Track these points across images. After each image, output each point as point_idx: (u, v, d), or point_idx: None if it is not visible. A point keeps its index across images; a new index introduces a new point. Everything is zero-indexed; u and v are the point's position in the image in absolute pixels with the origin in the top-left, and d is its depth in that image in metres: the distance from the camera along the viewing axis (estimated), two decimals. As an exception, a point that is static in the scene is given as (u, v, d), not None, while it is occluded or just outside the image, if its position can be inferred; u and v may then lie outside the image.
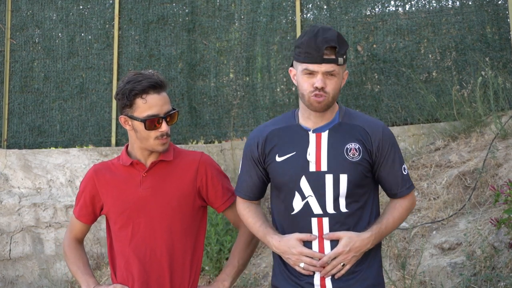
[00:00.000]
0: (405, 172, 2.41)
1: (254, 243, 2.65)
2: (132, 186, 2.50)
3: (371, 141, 2.35)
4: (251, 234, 2.61)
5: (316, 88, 2.28)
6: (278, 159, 2.38)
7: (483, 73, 5.71)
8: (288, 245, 2.30)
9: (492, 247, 4.04)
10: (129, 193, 2.50)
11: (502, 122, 5.19)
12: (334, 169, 2.31)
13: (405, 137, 6.00)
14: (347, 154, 2.33)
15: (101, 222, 6.17)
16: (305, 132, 2.38)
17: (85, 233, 2.70)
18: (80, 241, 2.69)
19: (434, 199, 4.84)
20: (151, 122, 2.40)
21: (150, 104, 2.40)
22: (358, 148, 2.34)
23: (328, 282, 2.29)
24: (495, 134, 5.11)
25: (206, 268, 5.19)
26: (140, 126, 2.42)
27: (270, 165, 2.41)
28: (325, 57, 2.26)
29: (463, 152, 5.23)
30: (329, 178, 2.31)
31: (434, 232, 4.54)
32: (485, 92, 5.55)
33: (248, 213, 2.49)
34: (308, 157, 2.33)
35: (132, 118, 2.43)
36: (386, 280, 4.24)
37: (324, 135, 2.36)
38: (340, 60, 2.29)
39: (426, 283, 4.13)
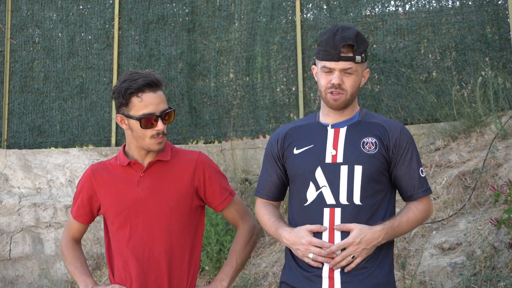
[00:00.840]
0: (422, 174, 2.40)
1: (252, 242, 2.64)
2: (129, 186, 2.50)
3: (388, 137, 2.37)
4: (250, 233, 2.62)
5: (333, 85, 2.32)
6: (295, 151, 2.41)
7: (483, 73, 5.71)
8: (298, 235, 2.29)
9: (492, 247, 4.04)
10: (127, 193, 2.50)
11: (502, 122, 5.19)
12: (349, 160, 2.32)
13: (405, 137, 5.99)
14: (363, 147, 2.35)
15: (101, 222, 6.17)
16: (324, 127, 2.42)
17: (83, 233, 2.69)
18: (77, 241, 2.69)
19: (434, 199, 4.84)
20: (146, 121, 2.40)
21: (146, 102, 2.40)
22: (375, 142, 2.36)
23: (337, 275, 2.27)
24: (495, 134, 5.11)
25: (206, 268, 5.18)
26: (136, 124, 2.42)
27: (288, 159, 2.43)
28: (342, 55, 2.30)
29: (463, 152, 5.23)
30: (344, 169, 2.32)
31: (434, 232, 4.54)
32: (485, 92, 5.55)
33: (264, 211, 2.50)
34: (327, 148, 2.35)
35: (128, 116, 2.44)
36: (386, 280, 4.24)
37: (343, 131, 2.39)
38: (358, 58, 2.32)
39: (426, 283, 4.13)
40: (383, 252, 2.34)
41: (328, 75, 2.34)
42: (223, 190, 2.59)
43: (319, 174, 2.34)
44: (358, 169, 2.31)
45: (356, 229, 2.25)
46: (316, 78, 2.44)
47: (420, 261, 4.21)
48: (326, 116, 2.43)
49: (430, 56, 6.44)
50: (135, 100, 2.41)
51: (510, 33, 6.07)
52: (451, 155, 5.25)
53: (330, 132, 2.39)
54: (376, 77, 6.54)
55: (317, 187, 2.34)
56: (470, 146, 5.29)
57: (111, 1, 7.48)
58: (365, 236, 2.25)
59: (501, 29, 6.15)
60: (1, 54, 7.75)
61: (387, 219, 2.34)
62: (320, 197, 2.33)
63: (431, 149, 5.61)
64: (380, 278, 2.31)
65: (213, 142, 6.94)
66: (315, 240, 2.27)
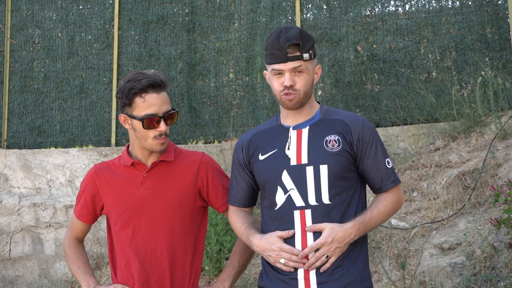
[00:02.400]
0: (389, 165, 2.39)
1: (254, 243, 2.65)
2: (133, 186, 2.50)
3: (351, 132, 2.36)
4: (252, 234, 2.62)
5: (285, 87, 2.32)
6: (261, 157, 2.41)
7: (482, 73, 5.71)
8: (268, 242, 2.29)
9: (492, 247, 4.04)
10: (130, 193, 2.50)
11: (502, 122, 5.19)
12: (314, 160, 2.32)
13: (405, 137, 6.00)
14: (327, 146, 2.34)
15: (101, 222, 6.17)
16: (286, 130, 2.42)
17: (86, 233, 2.70)
18: (80, 240, 2.69)
19: (434, 199, 4.84)
20: (149, 121, 2.41)
21: (149, 103, 2.40)
22: (338, 139, 2.35)
23: (313, 276, 2.26)
24: (495, 134, 5.11)
25: (206, 268, 5.19)
26: (138, 125, 2.43)
27: (254, 165, 2.43)
28: (289, 55, 2.30)
29: (463, 152, 5.23)
30: (309, 170, 2.32)
31: (434, 232, 4.54)
32: (485, 92, 5.56)
33: (236, 219, 2.49)
34: (287, 152, 2.35)
35: (131, 117, 2.44)
36: (386, 280, 4.24)
37: (305, 131, 2.39)
38: (306, 55, 2.32)
39: (426, 283, 4.13)
40: (356, 248, 2.34)
41: (279, 77, 2.34)
42: (226, 191, 2.59)
43: (285, 177, 2.34)
44: (323, 169, 2.31)
45: (327, 228, 2.25)
46: (269, 83, 2.44)
47: (420, 261, 4.21)
48: (286, 118, 2.43)
49: (430, 56, 6.44)
50: (138, 100, 2.41)
51: (510, 33, 6.08)
52: (451, 155, 5.25)
53: (293, 134, 2.39)
54: (376, 77, 6.54)
55: (285, 190, 2.34)
56: (470, 146, 5.30)
57: (111, 1, 7.48)
58: (336, 234, 2.24)
59: (501, 29, 6.15)
60: (1, 54, 7.74)
61: (358, 215, 2.33)
62: (289, 200, 2.33)
63: (431, 149, 5.61)
64: (355, 275, 2.30)
65: (213, 142, 6.94)
66: (285, 246, 2.27)
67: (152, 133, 2.43)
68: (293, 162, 2.34)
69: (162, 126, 2.42)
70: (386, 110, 6.37)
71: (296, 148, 2.36)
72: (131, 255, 2.49)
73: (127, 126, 2.49)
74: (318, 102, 2.49)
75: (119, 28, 7.38)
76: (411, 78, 6.24)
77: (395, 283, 4.13)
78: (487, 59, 5.95)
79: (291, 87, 2.32)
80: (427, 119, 6.06)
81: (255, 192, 2.52)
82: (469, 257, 4.02)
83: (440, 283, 4.02)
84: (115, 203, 2.52)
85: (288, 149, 2.36)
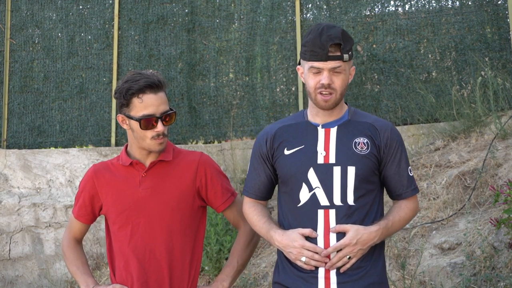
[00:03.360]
0: (410, 173, 2.42)
1: (253, 243, 2.64)
2: (131, 186, 2.50)
3: (380, 137, 2.37)
4: (251, 234, 2.61)
5: (323, 85, 2.31)
6: (286, 152, 2.40)
7: (482, 73, 5.71)
8: (290, 238, 2.28)
9: (492, 247, 4.04)
10: (129, 193, 2.50)
11: (502, 122, 5.19)
12: (342, 161, 2.32)
13: (405, 137, 6.00)
14: (356, 148, 2.34)
15: (101, 222, 6.17)
16: (314, 127, 2.41)
17: (84, 233, 2.69)
18: (79, 241, 2.69)
19: (434, 199, 4.84)
20: (146, 122, 2.41)
21: (146, 104, 2.40)
22: (367, 142, 2.36)
23: (333, 276, 2.27)
24: (494, 134, 5.11)
25: (206, 268, 5.19)
26: (136, 125, 2.43)
27: (278, 159, 2.41)
28: (330, 54, 2.29)
29: (463, 152, 5.23)
30: (337, 170, 2.32)
31: (434, 232, 4.54)
32: (485, 92, 5.55)
33: (253, 212, 2.48)
34: (318, 149, 2.35)
35: (129, 117, 2.44)
36: (386, 280, 4.24)
37: (333, 131, 2.38)
38: (346, 56, 2.31)
39: (426, 283, 4.13)
40: (376, 251, 2.36)
41: (317, 75, 2.33)
42: (225, 190, 2.59)
43: (311, 175, 2.33)
44: (351, 170, 2.31)
45: (352, 230, 2.25)
46: (302, 79, 2.42)
47: (420, 261, 4.21)
48: (315, 116, 2.42)
49: (429, 56, 6.44)
50: (135, 101, 2.41)
51: (510, 33, 6.08)
52: (451, 155, 5.25)
53: (321, 132, 2.38)
54: (376, 77, 6.54)
55: (310, 188, 2.33)
56: (469, 146, 5.30)
57: (110, 1, 7.48)
58: (361, 237, 2.25)
59: (501, 29, 6.15)
60: (1, 54, 7.74)
61: (379, 218, 2.35)
62: (314, 198, 2.32)
63: (430, 149, 5.61)
64: (374, 278, 2.31)
65: (213, 142, 6.94)
66: (308, 244, 2.26)
67: (149, 133, 2.43)
68: (321, 160, 2.34)
69: (160, 127, 2.42)
70: (386, 110, 6.37)
71: (324, 146, 2.36)
72: (129, 255, 2.49)
73: (125, 127, 2.50)
74: (346, 103, 2.48)
75: (119, 28, 7.38)
76: (411, 78, 6.24)
77: (395, 283, 4.13)
78: (487, 59, 5.95)
79: (328, 86, 2.31)
80: (427, 119, 6.06)
81: (273, 185, 2.51)
82: (469, 257, 4.02)
83: (440, 283, 4.02)
84: (113, 203, 2.52)
85: (316, 147, 2.35)
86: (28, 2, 7.74)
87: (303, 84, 6.69)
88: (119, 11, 7.40)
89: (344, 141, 2.36)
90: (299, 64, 2.44)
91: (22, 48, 7.70)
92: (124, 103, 2.44)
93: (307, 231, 2.28)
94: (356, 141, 2.36)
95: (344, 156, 2.33)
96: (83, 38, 7.55)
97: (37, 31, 7.71)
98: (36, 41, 7.68)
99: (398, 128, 6.10)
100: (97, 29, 7.48)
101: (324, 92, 2.32)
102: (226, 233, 5.24)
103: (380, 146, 2.36)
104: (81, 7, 7.59)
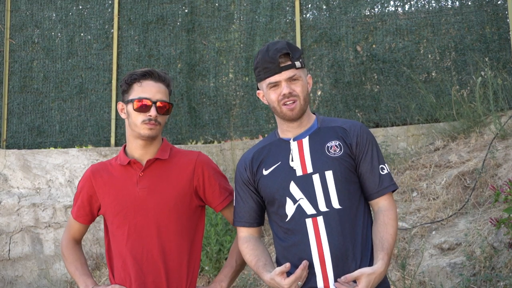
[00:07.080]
0: (383, 171, 2.39)
1: (252, 243, 2.64)
2: (129, 186, 2.51)
3: (350, 136, 2.39)
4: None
5: (284, 95, 2.34)
6: (265, 172, 2.42)
7: (482, 73, 5.71)
8: (276, 282, 2.27)
9: (491, 247, 4.04)
10: (126, 193, 2.50)
11: (502, 122, 5.19)
12: (319, 168, 2.34)
13: (405, 137, 6.00)
14: (329, 152, 2.36)
15: (100, 222, 6.17)
16: (286, 142, 2.43)
17: (83, 234, 2.70)
18: (78, 241, 2.69)
19: (434, 199, 4.84)
20: (140, 102, 2.45)
21: (144, 88, 2.48)
22: (339, 144, 2.38)
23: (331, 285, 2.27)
24: (494, 134, 5.11)
25: (206, 268, 5.18)
26: (131, 108, 2.48)
27: (259, 181, 2.43)
28: (282, 65, 2.34)
29: (463, 152, 5.23)
30: (316, 178, 2.34)
31: (433, 232, 4.54)
32: (485, 92, 5.55)
33: (246, 249, 2.47)
34: (291, 163, 2.37)
35: (127, 102, 2.50)
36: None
37: (305, 141, 2.40)
38: (297, 63, 2.36)
39: (426, 283, 4.13)
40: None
41: (276, 89, 2.36)
42: (223, 190, 2.60)
43: (293, 188, 2.35)
44: (329, 174, 2.33)
45: (364, 280, 2.21)
46: (265, 101, 2.45)
47: (420, 261, 4.21)
48: (286, 132, 2.44)
49: (429, 56, 6.44)
50: (136, 85, 2.50)
51: (510, 33, 6.08)
52: (451, 155, 5.25)
53: (294, 145, 2.40)
54: (376, 77, 6.54)
55: (294, 200, 2.34)
56: (469, 146, 5.30)
57: (110, 1, 7.48)
58: (373, 280, 2.22)
59: (501, 29, 6.15)
60: (1, 54, 7.74)
61: (378, 249, 2.30)
62: (299, 209, 2.33)
63: (430, 149, 5.61)
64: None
65: (213, 142, 6.93)
66: (292, 278, 2.24)
67: (141, 117, 2.46)
68: (299, 172, 2.36)
69: (153, 111, 2.46)
70: (386, 110, 6.37)
71: (299, 158, 2.37)
72: (127, 255, 2.49)
73: (123, 116, 2.55)
74: (314, 113, 2.51)
75: (118, 28, 7.38)
76: (411, 78, 6.24)
77: (395, 283, 4.13)
78: (486, 59, 5.95)
79: (290, 94, 2.33)
80: (426, 119, 6.06)
81: (262, 210, 2.52)
82: (469, 257, 4.02)
83: (440, 283, 4.02)
84: (111, 203, 2.52)
85: (292, 160, 2.38)
86: (27, 2, 7.74)
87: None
88: (118, 11, 7.40)
89: (317, 148, 2.37)
90: (258, 89, 2.47)
91: (21, 48, 7.70)
92: (126, 89, 2.52)
93: (282, 268, 2.26)
94: (328, 145, 2.38)
95: (319, 163, 2.34)
96: (83, 38, 7.55)
97: (36, 31, 7.71)
98: (36, 41, 7.68)
99: (398, 128, 6.10)
100: (97, 29, 7.48)
101: (287, 102, 2.35)
102: (226, 233, 5.24)
103: (352, 145, 2.38)
104: (80, 7, 7.59)
